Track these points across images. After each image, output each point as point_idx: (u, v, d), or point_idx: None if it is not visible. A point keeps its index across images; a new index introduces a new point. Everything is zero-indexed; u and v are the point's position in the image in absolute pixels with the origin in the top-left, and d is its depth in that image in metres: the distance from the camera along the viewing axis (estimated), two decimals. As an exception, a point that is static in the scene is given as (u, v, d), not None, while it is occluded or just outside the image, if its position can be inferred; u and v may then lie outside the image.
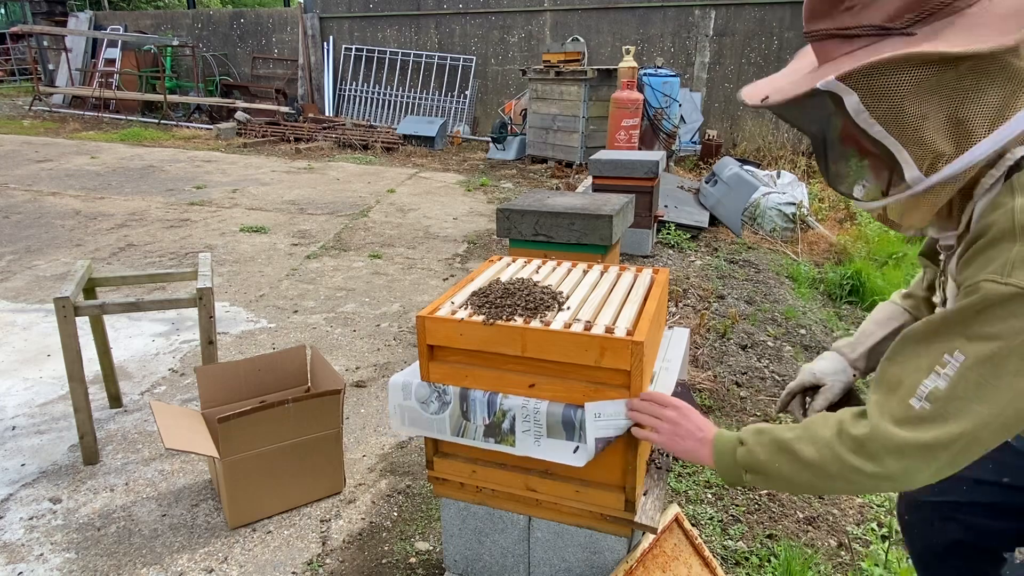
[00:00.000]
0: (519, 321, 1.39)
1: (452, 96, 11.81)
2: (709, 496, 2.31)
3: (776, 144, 9.70)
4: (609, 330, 1.33)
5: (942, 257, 1.18)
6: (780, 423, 2.53)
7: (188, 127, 12.04)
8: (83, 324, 2.77)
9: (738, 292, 4.29)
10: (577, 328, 1.34)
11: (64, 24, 14.27)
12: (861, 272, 4.63)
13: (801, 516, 2.23)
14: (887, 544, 2.08)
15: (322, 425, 2.16)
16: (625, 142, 6.90)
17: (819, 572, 1.98)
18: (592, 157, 5.00)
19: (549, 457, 1.40)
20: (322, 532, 2.12)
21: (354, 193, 7.25)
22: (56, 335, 2.47)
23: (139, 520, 2.16)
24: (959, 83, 0.86)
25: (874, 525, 2.23)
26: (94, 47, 13.97)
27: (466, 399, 1.44)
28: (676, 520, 1.61)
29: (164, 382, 3.10)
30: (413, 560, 2.01)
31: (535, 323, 1.37)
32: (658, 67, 8.30)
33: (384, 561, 2.01)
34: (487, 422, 1.44)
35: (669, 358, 1.65)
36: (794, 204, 5.83)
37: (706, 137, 9.11)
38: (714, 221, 5.95)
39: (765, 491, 2.34)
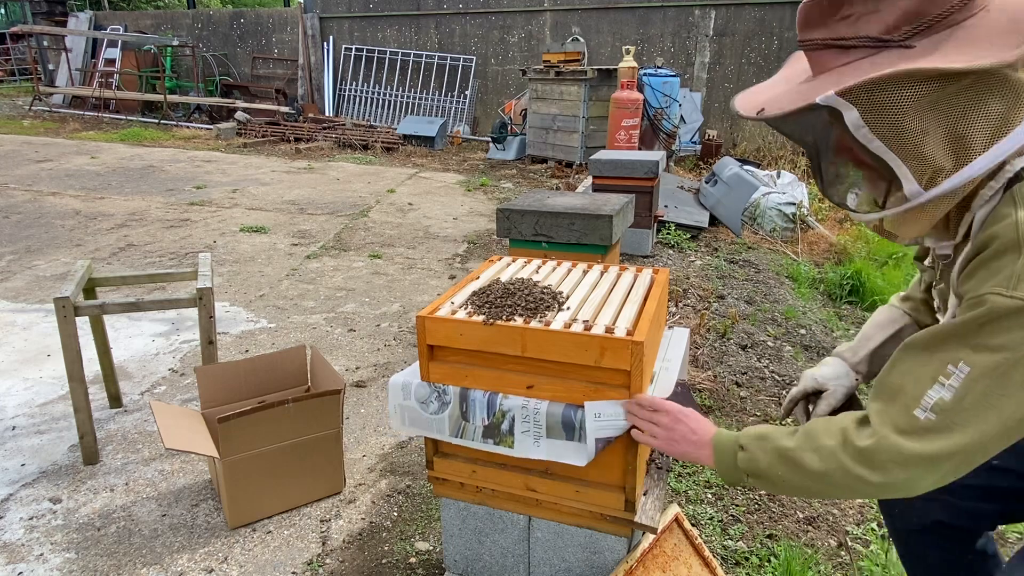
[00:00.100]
0: (519, 321, 1.39)
1: (452, 96, 11.81)
2: (709, 496, 2.31)
3: (776, 144, 9.70)
4: (609, 330, 1.33)
5: (930, 262, 1.19)
6: (780, 423, 2.53)
7: (188, 127, 12.04)
8: (83, 324, 2.77)
9: (738, 292, 4.29)
10: (577, 328, 1.34)
11: (64, 24, 14.28)
12: (861, 272, 4.63)
13: (801, 516, 2.23)
14: (887, 544, 2.08)
15: (322, 425, 2.16)
16: (625, 142, 6.90)
17: (819, 572, 1.98)
18: (592, 157, 5.00)
19: (549, 456, 1.40)
20: (322, 532, 2.12)
21: (354, 193, 7.25)
22: (56, 335, 2.47)
23: (139, 520, 2.16)
24: (959, 98, 0.86)
25: (874, 525, 2.23)
26: (94, 47, 13.97)
27: (466, 399, 1.44)
28: (676, 520, 1.61)
29: (164, 382, 3.10)
30: (413, 560, 2.01)
31: (535, 323, 1.37)
32: (658, 67, 8.30)
33: (384, 561, 2.01)
34: (486, 422, 1.44)
35: (669, 358, 1.65)
36: (794, 204, 5.83)
37: (706, 137, 9.11)
38: (714, 221, 5.95)
39: (765, 491, 2.34)
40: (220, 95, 13.24)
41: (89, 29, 13.87)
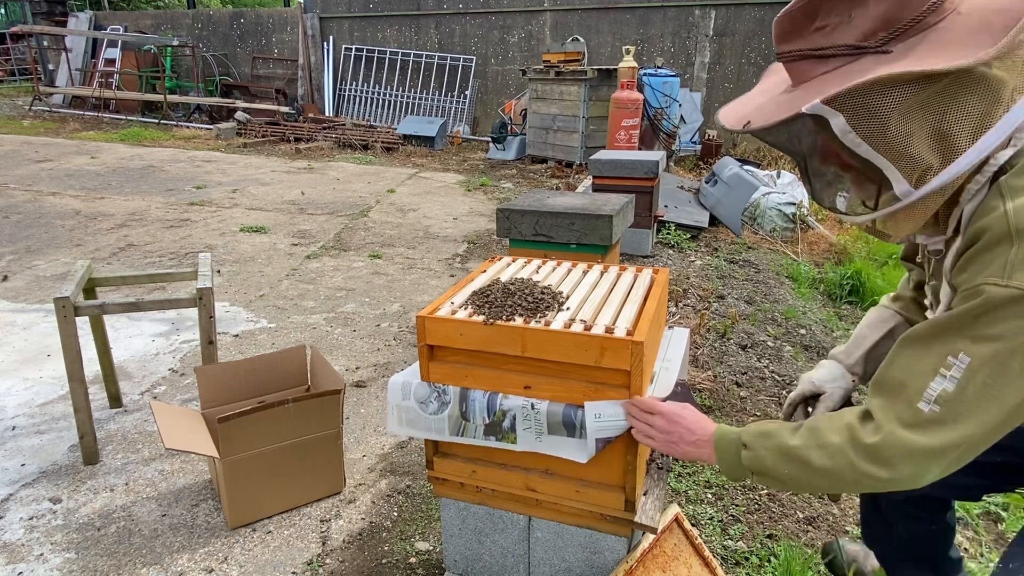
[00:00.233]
0: (519, 321, 1.39)
1: (452, 96, 11.81)
2: (709, 496, 2.31)
3: (776, 144, 9.68)
4: (609, 330, 1.33)
5: (919, 259, 1.22)
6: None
7: (188, 127, 12.04)
8: (83, 324, 2.77)
9: (738, 292, 4.29)
10: (577, 328, 1.34)
11: (64, 24, 14.27)
12: (861, 272, 4.62)
13: (801, 516, 2.23)
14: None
15: (322, 425, 2.16)
16: (625, 142, 6.90)
17: (819, 572, 1.98)
18: (592, 157, 5.00)
19: (551, 452, 1.41)
20: (322, 532, 2.12)
21: (354, 193, 7.25)
22: (56, 335, 2.47)
23: (139, 520, 2.16)
24: (940, 98, 0.88)
25: (874, 525, 2.22)
26: (94, 47, 13.97)
27: (466, 399, 1.44)
28: (676, 520, 1.61)
29: (164, 382, 3.10)
30: (413, 560, 2.01)
31: (535, 323, 1.37)
32: (658, 67, 8.30)
33: (384, 561, 2.01)
34: (487, 422, 1.44)
35: (669, 358, 1.65)
36: (794, 204, 5.83)
37: (706, 137, 9.11)
38: (714, 221, 5.95)
39: (765, 491, 2.34)
40: (220, 95, 13.24)
41: (89, 29, 13.87)
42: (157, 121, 12.36)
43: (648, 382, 1.42)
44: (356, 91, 12.46)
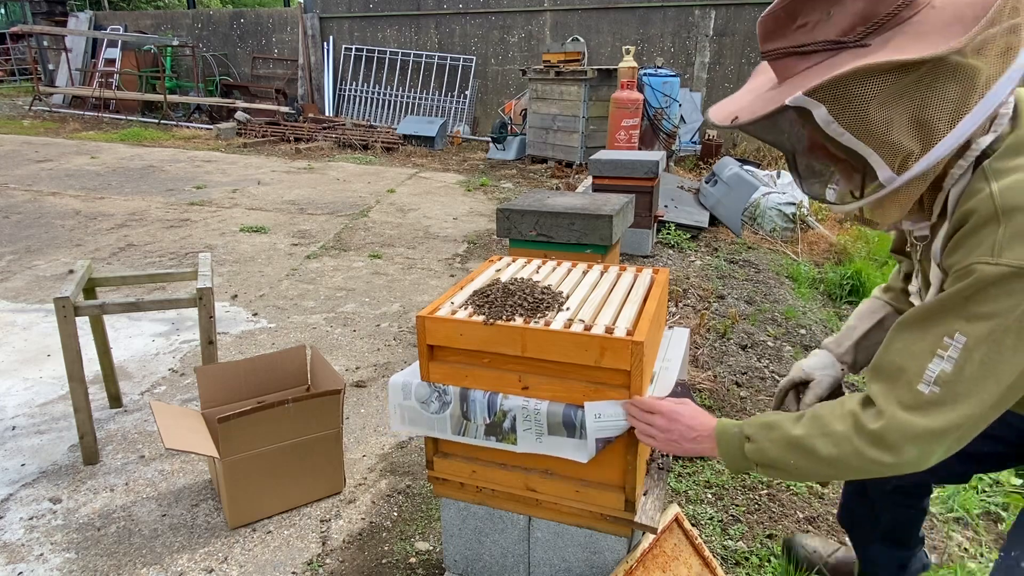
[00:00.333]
0: (519, 321, 1.39)
1: (452, 96, 11.81)
2: (709, 496, 2.31)
3: (776, 144, 9.68)
4: (609, 330, 1.33)
5: (908, 248, 1.26)
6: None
7: (188, 127, 12.04)
8: (83, 324, 2.77)
9: (738, 292, 4.29)
10: (577, 328, 1.34)
11: (64, 24, 14.27)
12: (861, 272, 4.62)
13: (801, 516, 2.23)
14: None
15: (322, 425, 2.16)
16: (625, 142, 6.90)
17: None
18: (592, 157, 5.00)
19: (551, 452, 1.41)
20: (322, 532, 2.12)
21: (354, 193, 7.25)
22: (56, 335, 2.47)
23: (139, 520, 2.16)
24: (917, 86, 0.91)
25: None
26: (94, 47, 13.97)
27: (466, 399, 1.44)
28: (676, 520, 1.61)
29: (164, 382, 3.10)
30: (413, 560, 2.01)
31: (535, 323, 1.37)
32: (658, 67, 8.29)
33: (384, 561, 2.01)
34: (488, 422, 1.44)
35: (669, 358, 1.65)
36: (794, 204, 5.83)
37: (706, 137, 9.10)
38: (714, 221, 5.95)
39: (765, 491, 2.34)
40: (220, 95, 13.24)
41: (89, 29, 13.87)
42: (157, 121, 12.36)
43: (648, 382, 1.42)
44: (356, 91, 12.46)
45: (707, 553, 1.64)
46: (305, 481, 2.21)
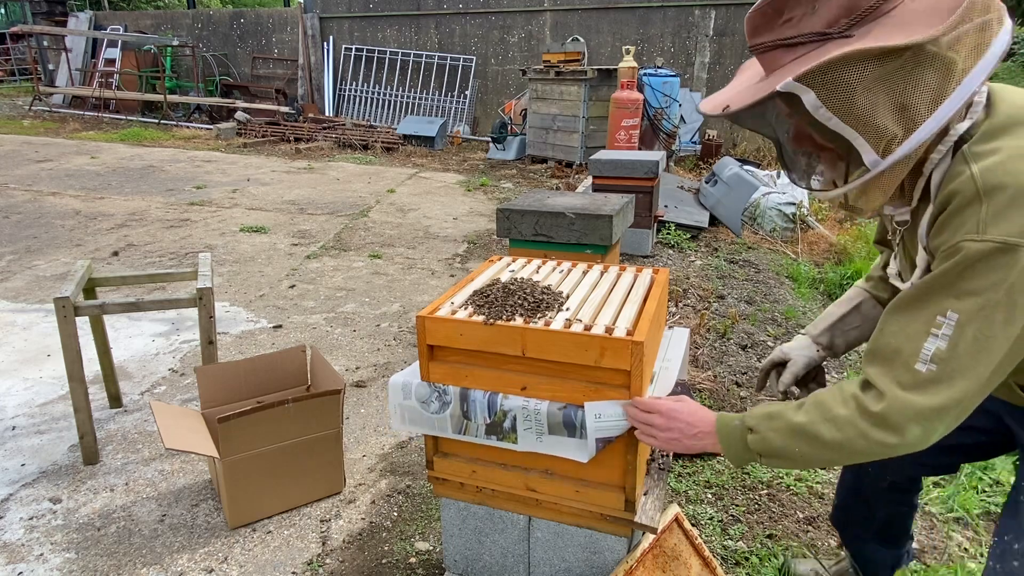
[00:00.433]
0: (519, 321, 1.39)
1: (452, 96, 11.80)
2: (709, 496, 2.31)
3: (776, 144, 9.68)
4: (609, 330, 1.33)
5: (890, 236, 1.30)
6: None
7: (188, 127, 12.04)
8: (83, 324, 2.77)
9: (738, 292, 4.29)
10: (577, 328, 1.34)
11: (64, 24, 14.27)
12: (861, 272, 4.62)
13: (801, 516, 2.23)
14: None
15: (322, 425, 2.16)
16: (625, 142, 6.90)
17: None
18: (592, 157, 5.00)
19: (552, 452, 1.41)
20: (322, 532, 2.12)
21: (354, 193, 7.25)
22: (56, 335, 2.47)
23: (139, 520, 2.16)
24: (900, 72, 0.95)
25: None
26: (94, 47, 13.97)
27: (466, 399, 1.44)
28: (676, 520, 1.61)
29: (164, 382, 3.10)
30: (413, 560, 2.01)
31: (535, 323, 1.37)
32: (658, 67, 8.29)
33: (384, 561, 2.01)
34: (488, 422, 1.44)
35: (669, 358, 1.65)
36: (794, 204, 5.83)
37: (706, 137, 9.11)
38: (714, 221, 5.94)
39: (765, 491, 2.34)
40: (220, 95, 13.24)
41: (89, 29, 13.86)
42: (157, 121, 12.36)
43: (648, 382, 1.42)
44: (356, 91, 12.45)
45: (707, 553, 1.64)
46: (305, 481, 2.21)
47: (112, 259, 4.86)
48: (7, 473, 2.39)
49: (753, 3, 1.07)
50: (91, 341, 2.72)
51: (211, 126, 11.77)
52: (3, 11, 19.11)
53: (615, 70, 7.73)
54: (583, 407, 1.35)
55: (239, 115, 11.65)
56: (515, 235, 3.44)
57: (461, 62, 11.65)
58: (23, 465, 2.44)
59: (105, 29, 13.93)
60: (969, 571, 1.99)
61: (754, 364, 3.29)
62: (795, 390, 1.51)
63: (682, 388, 1.50)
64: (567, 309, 1.45)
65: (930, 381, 1.00)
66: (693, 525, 1.94)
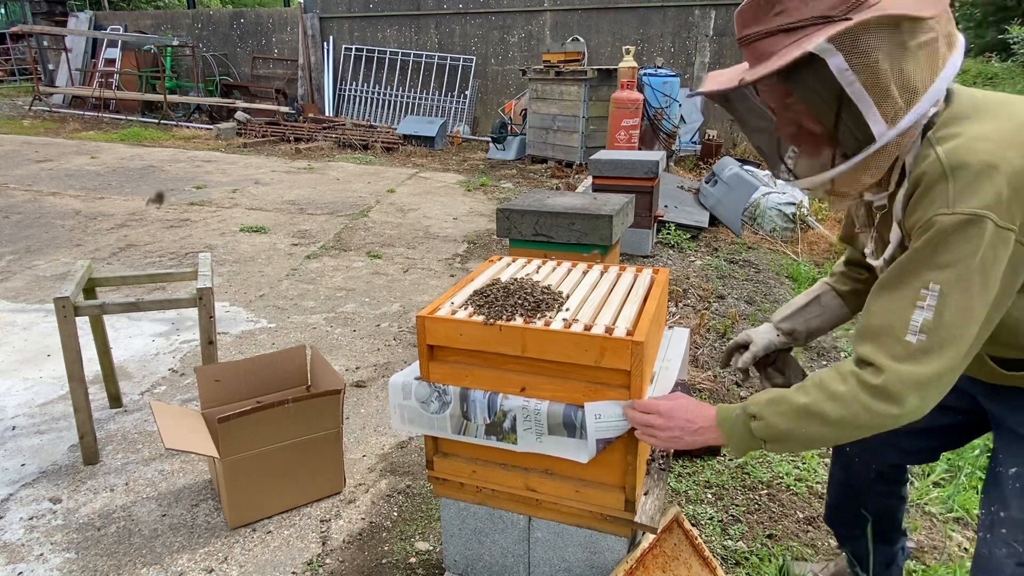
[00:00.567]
0: (519, 321, 1.39)
1: (452, 96, 11.80)
2: (709, 496, 2.30)
3: (776, 144, 9.67)
4: (609, 330, 1.33)
5: (858, 230, 1.36)
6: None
7: (188, 127, 12.04)
8: (83, 324, 2.77)
9: (738, 292, 4.29)
10: (577, 328, 1.34)
11: (64, 24, 14.27)
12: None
13: (801, 516, 2.23)
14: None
15: (322, 425, 2.16)
16: (625, 142, 6.90)
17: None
18: (592, 157, 5.00)
19: (552, 452, 1.41)
20: (322, 532, 2.12)
21: (354, 193, 7.25)
22: (56, 335, 2.47)
23: (139, 520, 2.16)
24: (911, 45, 1.00)
25: (874, 525, 2.22)
26: (94, 47, 13.97)
27: (466, 399, 1.44)
28: (676, 520, 1.61)
29: (164, 382, 3.10)
30: (413, 560, 2.01)
31: (535, 323, 1.37)
32: (658, 67, 8.29)
33: (384, 561, 2.01)
34: (488, 422, 1.44)
35: (669, 358, 1.65)
36: (794, 204, 5.83)
37: (706, 137, 9.10)
38: (714, 221, 5.94)
39: (765, 491, 2.34)
40: (220, 95, 13.24)
41: (89, 29, 13.86)
42: (157, 121, 12.36)
43: (648, 382, 1.42)
44: (356, 91, 12.45)
45: (707, 553, 1.64)
46: (305, 481, 2.21)
47: (112, 259, 4.86)
48: (7, 473, 2.39)
49: (751, 1, 1.08)
50: (91, 341, 2.72)
51: (211, 126, 11.77)
52: (3, 11, 19.11)
53: (615, 70, 7.73)
54: (583, 407, 1.35)
55: (239, 115, 11.65)
56: (515, 235, 3.44)
57: (461, 62, 11.65)
58: (23, 465, 2.44)
59: (105, 29, 13.93)
60: (969, 571, 1.98)
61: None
62: (754, 371, 1.60)
63: (682, 388, 1.50)
64: (567, 309, 1.45)
65: (921, 351, 1.05)
66: (693, 525, 1.94)
